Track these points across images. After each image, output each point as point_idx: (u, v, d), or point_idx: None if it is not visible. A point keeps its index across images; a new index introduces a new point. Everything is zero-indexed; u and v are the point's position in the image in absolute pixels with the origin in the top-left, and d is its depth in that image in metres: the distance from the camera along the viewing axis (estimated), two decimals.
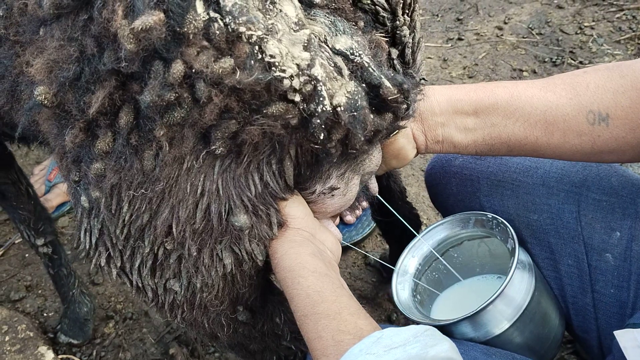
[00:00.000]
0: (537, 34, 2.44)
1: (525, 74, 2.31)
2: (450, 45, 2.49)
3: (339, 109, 0.76)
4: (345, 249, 1.88)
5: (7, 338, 1.73)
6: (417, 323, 0.99)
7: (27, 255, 2.01)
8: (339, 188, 0.91)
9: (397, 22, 0.85)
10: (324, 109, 0.74)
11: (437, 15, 2.62)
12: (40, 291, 1.93)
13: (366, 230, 1.92)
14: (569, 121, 0.94)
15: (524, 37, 2.44)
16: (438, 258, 1.18)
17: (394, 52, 0.87)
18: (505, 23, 2.51)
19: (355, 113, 0.77)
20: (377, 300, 1.81)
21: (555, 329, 1.08)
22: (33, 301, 1.90)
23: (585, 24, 2.43)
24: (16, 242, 2.05)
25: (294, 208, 0.90)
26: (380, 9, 0.82)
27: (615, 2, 2.47)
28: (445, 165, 1.26)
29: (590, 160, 1.04)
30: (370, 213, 1.76)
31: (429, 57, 2.45)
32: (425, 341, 0.72)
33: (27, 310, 1.88)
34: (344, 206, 0.97)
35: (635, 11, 2.45)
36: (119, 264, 0.92)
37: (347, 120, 0.76)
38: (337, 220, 1.89)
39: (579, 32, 2.41)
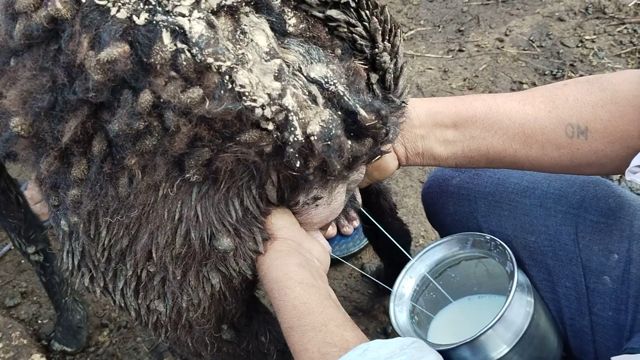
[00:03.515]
0: (537, 46, 2.43)
1: (525, 86, 2.29)
2: (450, 56, 2.48)
3: (312, 137, 0.76)
4: (340, 261, 1.89)
5: (0, 345, 1.74)
6: None
7: (22, 261, 2.02)
8: (322, 197, 0.90)
9: (377, 49, 0.85)
10: (296, 138, 0.74)
11: (438, 26, 2.61)
12: (35, 298, 1.94)
13: (363, 242, 1.91)
14: (548, 134, 0.94)
15: (524, 50, 2.42)
16: (434, 279, 1.17)
17: (374, 77, 0.87)
18: (506, 35, 2.50)
19: (329, 142, 0.77)
20: (373, 313, 1.80)
21: (554, 352, 1.07)
22: (28, 308, 1.91)
23: (587, 37, 2.41)
24: (12, 248, 2.06)
25: (279, 218, 0.89)
26: (357, 36, 0.82)
27: (616, 16, 2.45)
28: (442, 185, 1.26)
29: (569, 173, 1.04)
30: (362, 229, 1.75)
31: (429, 68, 2.44)
32: (411, 354, 0.72)
33: (21, 317, 1.89)
34: (330, 216, 0.96)
35: (636, 25, 2.42)
36: (102, 284, 0.93)
37: (320, 150, 0.76)
38: (335, 231, 1.90)
39: (579, 45, 2.39)
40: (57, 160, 0.79)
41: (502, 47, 2.45)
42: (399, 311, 1.10)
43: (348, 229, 1.92)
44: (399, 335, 1.04)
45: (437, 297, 1.18)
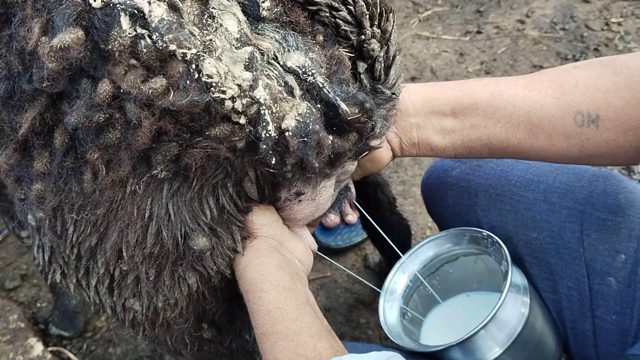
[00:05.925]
0: (560, 29, 2.31)
1: None
2: (468, 38, 2.38)
3: (287, 133, 0.69)
4: (342, 251, 1.84)
5: None
6: (405, 349, 0.97)
7: None
8: (304, 193, 0.85)
9: (364, 35, 0.77)
10: (269, 134, 0.68)
11: (457, 7, 2.50)
12: (35, 280, 1.93)
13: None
14: (555, 122, 0.87)
15: (546, 32, 2.31)
16: (430, 274, 1.14)
17: (362, 67, 0.80)
18: (528, 17, 2.38)
19: (305, 138, 0.70)
20: (375, 305, 1.77)
21: (552, 356, 1.04)
22: (27, 290, 1.91)
23: (613, 20, 2.28)
24: None
25: (260, 215, 0.85)
26: (341, 21, 0.75)
27: None
28: (441, 176, 1.21)
29: (579, 163, 0.97)
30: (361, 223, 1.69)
31: (445, 51, 2.35)
32: None
33: (20, 299, 1.88)
34: (316, 212, 0.91)
35: None
36: (74, 281, 0.89)
37: (296, 146, 0.70)
38: (338, 219, 1.84)
39: (605, 28, 2.27)
40: (17, 152, 0.75)
41: (523, 29, 2.35)
42: (389, 308, 1.08)
43: (352, 217, 1.85)
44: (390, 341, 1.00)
45: (432, 293, 1.15)
